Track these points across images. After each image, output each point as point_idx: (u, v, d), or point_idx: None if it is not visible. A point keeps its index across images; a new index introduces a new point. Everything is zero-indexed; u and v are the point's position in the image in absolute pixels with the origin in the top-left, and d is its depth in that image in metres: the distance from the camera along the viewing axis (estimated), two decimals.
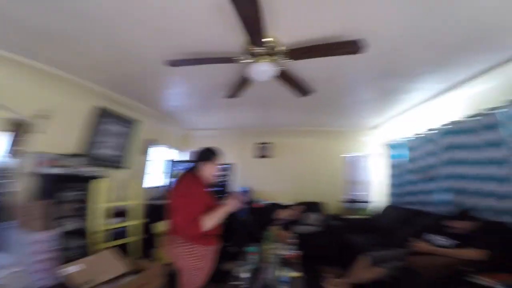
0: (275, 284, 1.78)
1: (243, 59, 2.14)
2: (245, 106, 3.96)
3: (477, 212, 2.37)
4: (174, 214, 1.60)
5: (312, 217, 3.96)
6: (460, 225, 2.22)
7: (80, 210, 2.74)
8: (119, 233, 3.09)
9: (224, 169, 4.70)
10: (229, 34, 1.96)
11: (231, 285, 1.79)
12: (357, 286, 2.30)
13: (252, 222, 4.00)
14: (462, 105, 2.81)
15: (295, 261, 2.22)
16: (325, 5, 1.64)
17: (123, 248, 2.87)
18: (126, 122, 3.91)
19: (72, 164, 2.86)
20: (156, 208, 4.02)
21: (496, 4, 1.54)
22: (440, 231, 2.31)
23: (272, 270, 1.82)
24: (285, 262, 2.09)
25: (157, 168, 5.00)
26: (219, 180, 4.29)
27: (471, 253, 1.95)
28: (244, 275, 1.82)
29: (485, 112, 2.40)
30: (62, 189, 2.58)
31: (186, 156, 5.75)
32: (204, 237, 1.60)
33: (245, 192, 4.97)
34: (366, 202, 4.81)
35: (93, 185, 2.90)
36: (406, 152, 3.80)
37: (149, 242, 3.15)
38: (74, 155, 2.96)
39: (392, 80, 2.79)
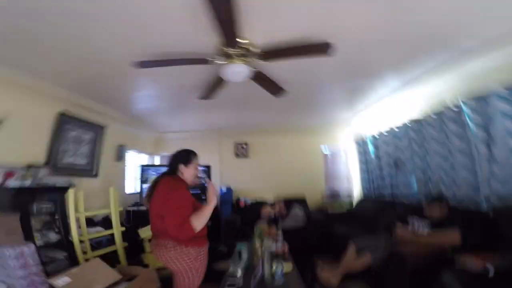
0: (270, 279, 1.80)
1: (217, 60, 2.12)
2: (221, 107, 3.93)
3: (455, 201, 2.48)
4: (162, 219, 1.56)
5: (296, 212, 4.06)
6: (437, 210, 2.31)
7: (56, 221, 2.59)
8: (104, 242, 3.02)
9: (203, 171, 4.65)
10: (202, 34, 1.91)
11: (226, 283, 1.80)
12: (348, 274, 2.35)
13: (238, 220, 4.02)
14: (425, 97, 3.03)
15: (286, 255, 2.27)
16: (297, 7, 1.68)
17: (110, 256, 2.81)
18: (94, 127, 3.68)
19: (37, 175, 2.64)
20: (139, 214, 3.94)
21: (446, 8, 1.69)
22: (419, 217, 2.38)
23: (266, 265, 1.83)
24: (277, 257, 2.12)
25: (132, 174, 4.81)
26: (200, 182, 4.24)
27: (449, 236, 2.03)
28: (238, 273, 1.82)
29: (444, 106, 2.62)
30: (30, 202, 2.40)
31: (159, 160, 5.60)
32: (194, 239, 1.58)
33: (227, 191, 4.97)
34: (347, 195, 5.02)
35: (65, 195, 2.72)
36: (375, 146, 4.03)
37: (136, 248, 3.06)
38: (38, 166, 2.73)
39: (359, 78, 2.96)
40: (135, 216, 4.04)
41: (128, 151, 4.64)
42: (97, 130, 3.75)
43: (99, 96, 3.39)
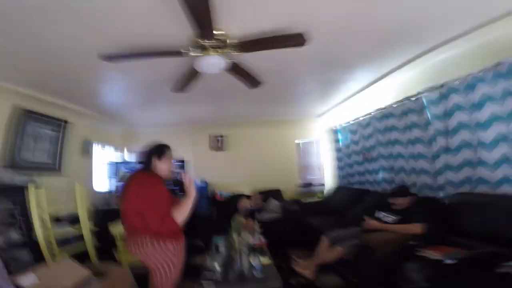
0: (249, 272, 1.82)
1: (191, 52, 2.05)
2: (195, 100, 3.82)
3: (416, 189, 2.68)
4: (139, 216, 1.52)
5: (272, 204, 4.12)
6: (400, 202, 2.40)
7: (19, 221, 2.44)
8: (72, 240, 2.92)
9: (178, 165, 4.54)
10: (175, 26, 1.83)
11: (204, 277, 1.78)
12: (322, 266, 2.44)
13: (214, 214, 3.99)
14: (392, 91, 3.20)
15: (264, 248, 2.30)
16: None
17: (80, 255, 2.71)
18: (57, 123, 3.44)
19: None
20: (109, 211, 3.74)
21: (419, 3, 1.78)
22: (386, 208, 2.51)
23: (243, 259, 1.85)
24: (255, 250, 2.15)
25: (101, 170, 4.56)
26: (175, 175, 4.14)
27: (411, 228, 2.14)
28: (216, 266, 1.82)
29: (410, 97, 2.76)
30: None
31: (130, 157, 5.36)
32: (172, 234, 1.58)
33: (203, 185, 4.90)
34: (321, 185, 5.20)
35: (28, 193, 2.53)
36: (347, 136, 4.20)
37: (107, 246, 2.94)
38: None
39: (332, 71, 3.03)
40: (105, 214, 3.85)
41: (96, 145, 4.38)
42: (60, 125, 3.51)
43: (61, 91, 3.15)
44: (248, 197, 4.20)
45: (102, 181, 4.55)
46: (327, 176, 5.17)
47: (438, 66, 2.56)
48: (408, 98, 2.77)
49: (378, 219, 2.48)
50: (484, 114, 2.01)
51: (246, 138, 5.48)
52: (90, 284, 1.82)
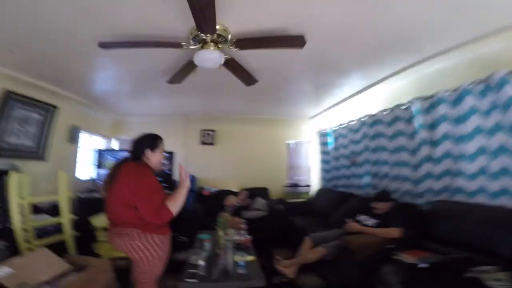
0: (233, 269, 1.83)
1: (189, 45, 2.04)
2: (189, 92, 3.79)
3: (397, 195, 2.78)
4: (129, 208, 1.49)
5: (259, 202, 4.14)
6: (381, 206, 2.50)
7: None
8: (52, 230, 2.77)
9: (167, 158, 4.48)
10: (176, 17, 1.82)
11: (188, 273, 1.78)
12: (304, 266, 2.49)
13: (201, 209, 3.97)
14: (382, 99, 3.28)
15: (249, 246, 2.31)
16: None
17: (58, 246, 2.56)
18: (45, 107, 3.33)
19: None
20: (92, 201, 3.63)
21: (417, 13, 1.81)
22: (367, 211, 2.60)
23: (228, 255, 1.86)
24: (239, 247, 2.17)
25: (87, 158, 4.44)
26: (164, 168, 4.08)
27: (389, 232, 2.23)
28: (200, 262, 1.82)
29: (398, 105, 2.84)
30: None
31: (118, 145, 5.26)
32: (160, 227, 1.57)
33: (191, 180, 4.85)
34: (307, 186, 5.27)
35: (7, 179, 2.40)
36: (337, 139, 4.26)
37: (87, 238, 2.85)
38: None
39: (327, 74, 3.08)
40: (87, 203, 3.75)
41: (82, 132, 4.27)
42: (48, 110, 3.40)
43: (52, 75, 3.05)
44: (235, 193, 4.20)
45: (87, 169, 4.45)
46: (313, 178, 5.24)
47: (429, 77, 2.63)
48: (398, 106, 2.84)
49: (358, 222, 2.55)
50: (468, 127, 2.09)
51: (237, 134, 5.47)
52: (68, 277, 1.78)
